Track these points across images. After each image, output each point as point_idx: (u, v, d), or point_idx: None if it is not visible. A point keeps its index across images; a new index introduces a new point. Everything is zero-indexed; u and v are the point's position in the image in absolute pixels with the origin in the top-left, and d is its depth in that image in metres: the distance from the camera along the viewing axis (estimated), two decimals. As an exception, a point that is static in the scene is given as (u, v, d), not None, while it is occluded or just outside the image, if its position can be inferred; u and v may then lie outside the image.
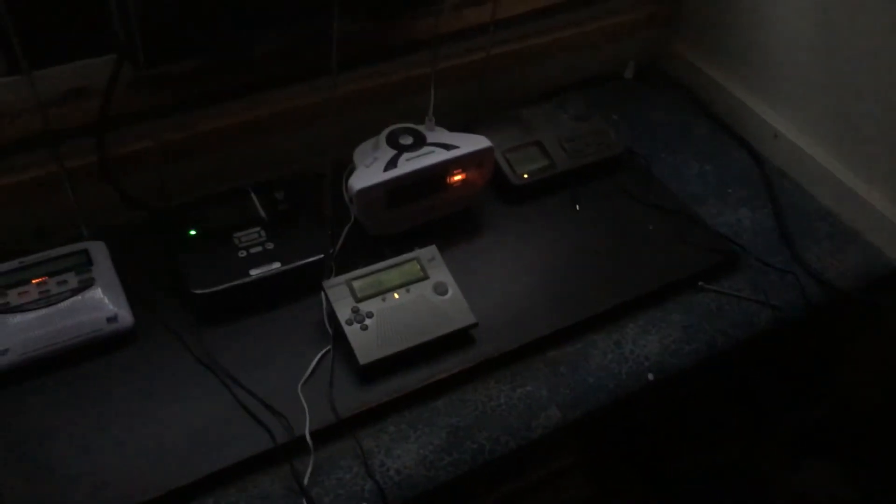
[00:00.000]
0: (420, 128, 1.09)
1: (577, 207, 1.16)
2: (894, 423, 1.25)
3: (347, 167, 1.11)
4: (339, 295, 0.97)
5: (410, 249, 1.02)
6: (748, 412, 1.24)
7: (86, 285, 0.95)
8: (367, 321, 0.95)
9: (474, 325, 0.98)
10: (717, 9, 1.33)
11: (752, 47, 1.29)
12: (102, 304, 0.95)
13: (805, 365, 1.24)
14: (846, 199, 1.19)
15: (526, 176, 1.16)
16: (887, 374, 1.24)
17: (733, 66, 1.34)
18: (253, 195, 1.06)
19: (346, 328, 0.95)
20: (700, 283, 1.08)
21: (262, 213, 1.04)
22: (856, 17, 1.11)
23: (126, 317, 0.95)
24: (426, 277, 1.00)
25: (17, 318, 0.92)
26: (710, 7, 1.34)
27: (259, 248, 1.01)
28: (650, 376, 0.99)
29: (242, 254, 1.00)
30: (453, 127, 1.12)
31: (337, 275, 1.00)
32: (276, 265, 0.99)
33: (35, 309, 0.93)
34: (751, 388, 1.19)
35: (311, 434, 0.88)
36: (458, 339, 0.98)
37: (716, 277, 1.10)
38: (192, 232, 1.02)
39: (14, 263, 0.96)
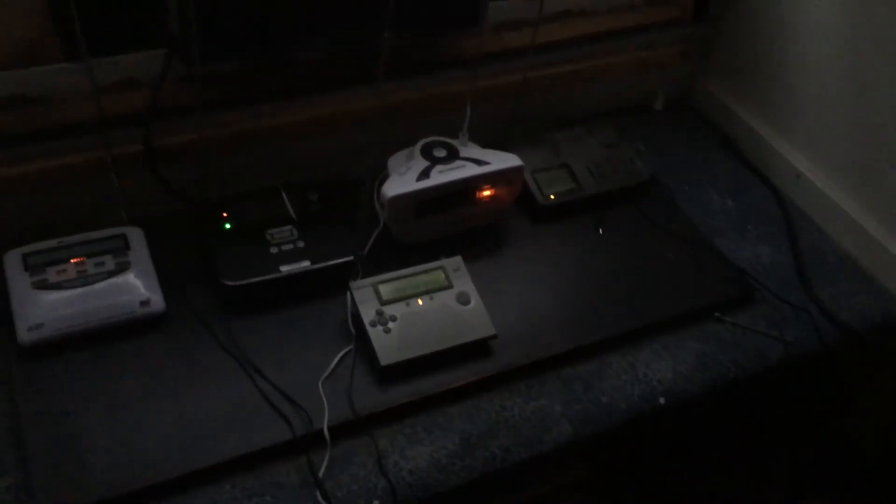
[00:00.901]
0: (454, 142, 1.13)
1: (601, 231, 1.19)
2: (897, 468, 1.26)
3: (380, 174, 1.14)
4: (365, 297, 0.99)
5: (436, 258, 1.05)
6: (754, 445, 1.25)
7: (122, 269, 0.99)
8: (391, 324, 0.98)
9: (494, 337, 1.00)
10: (748, 49, 1.36)
11: (779, 88, 1.32)
12: (136, 287, 0.98)
13: (813, 403, 1.25)
14: (864, 243, 1.21)
15: (552, 197, 1.19)
16: (893, 416, 1.26)
17: (760, 106, 1.37)
18: (288, 194, 1.09)
19: (370, 329, 0.97)
20: (716, 314, 1.10)
21: (296, 213, 1.07)
22: (886, 65, 1.14)
23: (158, 302, 0.98)
24: (450, 287, 1.02)
25: (54, 295, 0.95)
26: (741, 47, 1.37)
27: (290, 246, 1.04)
28: (661, 400, 1.01)
29: (274, 250, 1.03)
30: (486, 144, 1.15)
31: (363, 277, 1.03)
32: (306, 263, 1.02)
33: (71, 287, 0.96)
34: (758, 421, 1.20)
35: (329, 429, 0.90)
36: (477, 349, 1.00)
37: (732, 310, 1.12)
38: (227, 226, 1.05)
39: (53, 242, 0.99)
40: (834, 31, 1.20)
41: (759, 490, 1.31)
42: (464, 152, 1.11)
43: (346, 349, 0.98)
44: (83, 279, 0.97)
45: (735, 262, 1.17)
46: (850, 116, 1.21)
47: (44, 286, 0.95)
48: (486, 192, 1.11)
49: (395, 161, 1.13)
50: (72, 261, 0.98)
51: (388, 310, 0.99)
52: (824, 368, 1.15)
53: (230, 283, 0.99)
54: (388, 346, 0.96)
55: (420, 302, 1.00)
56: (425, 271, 1.03)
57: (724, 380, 1.05)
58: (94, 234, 1.01)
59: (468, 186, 1.09)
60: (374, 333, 0.97)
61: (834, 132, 1.25)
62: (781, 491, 1.33)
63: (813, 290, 1.16)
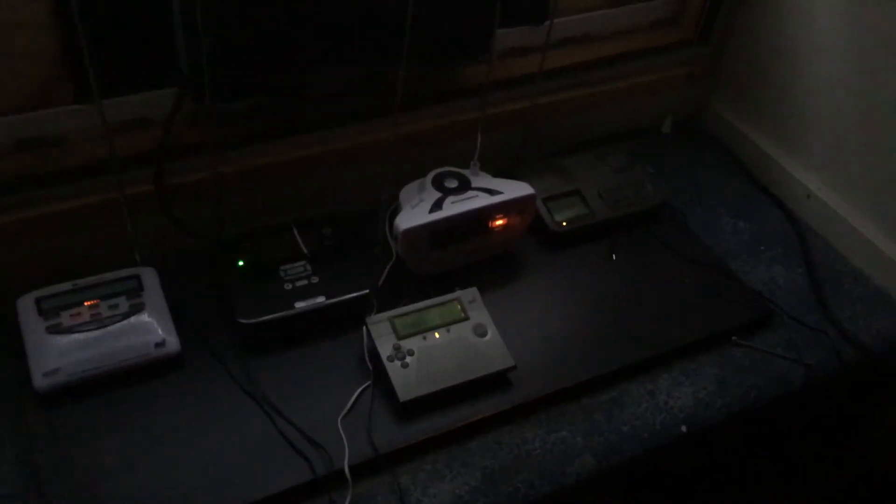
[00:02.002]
0: (465, 172, 1.12)
1: (614, 257, 1.19)
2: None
3: (392, 206, 1.14)
4: (382, 331, 0.99)
5: (451, 290, 1.04)
6: (775, 470, 1.24)
7: (136, 310, 0.98)
8: (408, 359, 0.97)
9: (513, 368, 1.00)
10: (755, 69, 1.36)
11: (787, 107, 1.32)
12: (151, 328, 0.97)
13: (835, 426, 1.24)
14: (878, 261, 1.20)
15: (565, 224, 1.19)
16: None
17: (768, 125, 1.37)
18: (300, 230, 1.09)
19: (388, 364, 0.96)
20: (734, 338, 1.10)
21: (309, 248, 1.07)
22: (894, 81, 1.14)
23: (173, 342, 0.97)
24: (466, 318, 1.02)
25: (69, 339, 0.94)
26: (748, 67, 1.37)
27: (305, 282, 1.03)
28: (683, 428, 1.00)
29: (288, 286, 1.02)
30: (496, 172, 1.15)
31: (378, 310, 1.02)
32: (321, 299, 1.02)
33: (86, 331, 0.95)
34: (779, 445, 1.19)
35: (350, 468, 0.89)
36: (496, 381, 1.00)
37: (749, 333, 1.11)
38: (241, 263, 1.04)
39: (67, 285, 0.99)
40: (841, 48, 1.20)
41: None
42: (475, 182, 1.11)
43: (365, 385, 0.97)
44: (98, 322, 0.96)
45: (750, 285, 1.17)
46: (860, 134, 1.21)
47: (58, 330, 0.95)
48: (499, 222, 1.11)
49: (407, 193, 1.13)
50: (86, 303, 0.97)
51: (405, 344, 0.98)
52: (845, 391, 1.14)
53: (245, 321, 0.99)
54: (407, 382, 0.95)
55: (437, 335, 1.00)
56: (441, 304, 1.02)
57: (745, 405, 1.04)
58: (107, 276, 1.00)
59: (481, 217, 1.08)
60: (392, 369, 0.96)
61: (844, 150, 1.25)
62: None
63: (830, 311, 1.15)
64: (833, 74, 1.23)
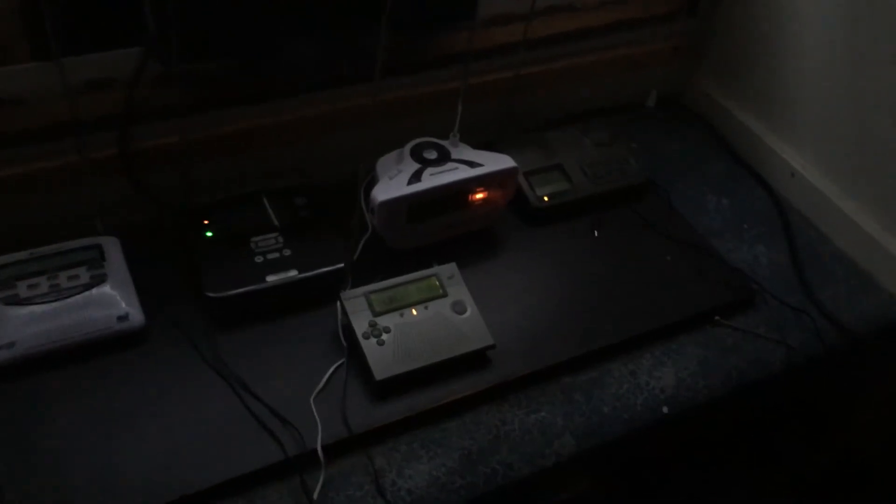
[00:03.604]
0: (444, 143, 1.08)
1: (596, 234, 1.16)
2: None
3: (369, 177, 1.10)
4: (357, 307, 0.95)
5: (429, 265, 1.01)
6: (756, 451, 1.23)
7: (97, 281, 0.93)
8: (384, 336, 0.94)
9: (492, 347, 0.97)
10: (741, 46, 1.33)
11: (773, 85, 1.30)
12: (113, 301, 0.92)
13: (815, 407, 1.24)
14: (861, 242, 1.19)
15: (546, 199, 1.15)
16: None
17: (753, 103, 1.34)
18: (272, 200, 1.04)
19: (363, 342, 0.93)
20: (716, 318, 1.08)
21: (282, 219, 1.03)
22: (882, 60, 1.11)
23: (137, 316, 0.93)
24: (445, 295, 0.98)
25: (25, 311, 0.89)
26: (734, 43, 1.35)
27: (276, 255, 0.99)
28: (665, 409, 0.98)
29: (259, 259, 0.98)
30: (477, 145, 1.11)
31: (353, 286, 0.99)
32: (294, 272, 0.98)
33: (44, 302, 0.90)
34: (760, 426, 1.18)
35: (323, 448, 0.86)
36: (475, 360, 0.97)
37: (731, 313, 1.09)
38: (210, 234, 1.00)
39: (24, 254, 0.94)
40: (830, 26, 1.18)
41: (763, 496, 1.29)
42: (455, 154, 1.07)
43: (339, 363, 0.94)
44: (56, 293, 0.91)
45: (733, 264, 1.15)
46: (846, 113, 1.19)
47: (14, 301, 0.90)
48: (480, 196, 1.07)
49: (384, 164, 1.08)
50: (44, 274, 0.92)
51: (382, 321, 0.95)
52: (827, 371, 1.13)
53: (213, 294, 0.94)
54: (383, 360, 0.92)
55: (414, 312, 0.96)
56: (419, 279, 0.99)
57: (727, 385, 1.02)
58: (67, 245, 0.95)
59: (461, 190, 1.05)
60: (368, 346, 0.93)
61: (829, 129, 1.23)
62: (785, 496, 1.31)
63: (813, 291, 1.14)
64: (820, 53, 1.20)
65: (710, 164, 1.33)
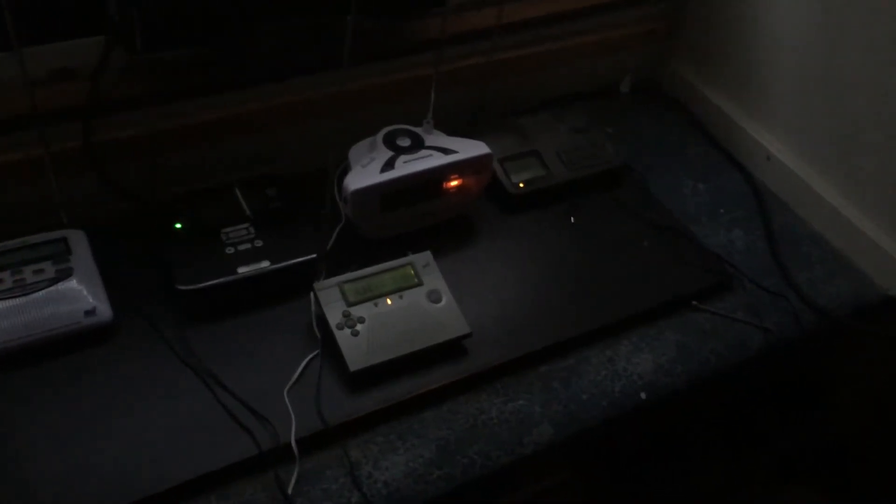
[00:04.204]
0: (418, 130, 1.07)
1: (573, 220, 1.15)
2: (880, 450, 1.25)
3: (341, 166, 1.08)
4: (330, 298, 0.94)
5: (403, 254, 1.00)
6: (735, 434, 1.23)
7: (63, 276, 0.91)
8: (359, 326, 0.92)
9: (468, 336, 0.95)
10: (716, 28, 1.32)
11: (748, 68, 1.29)
12: (80, 295, 0.90)
13: (794, 389, 1.24)
14: (837, 224, 1.19)
15: (522, 185, 1.14)
16: (874, 401, 1.25)
17: (728, 86, 1.34)
18: (243, 191, 1.02)
19: (337, 333, 0.91)
20: (694, 303, 1.07)
21: (253, 210, 1.01)
22: (856, 42, 1.11)
23: (105, 310, 0.91)
24: (420, 284, 0.97)
25: (-10, 307, 0.87)
26: (709, 26, 1.34)
27: (248, 246, 0.97)
28: (643, 395, 0.97)
29: (230, 250, 0.96)
30: (451, 131, 1.10)
31: (326, 276, 0.97)
32: (266, 264, 0.96)
33: (8, 298, 0.88)
34: (739, 410, 1.18)
35: (297, 441, 0.84)
36: (451, 349, 0.95)
37: (709, 297, 1.09)
38: (179, 225, 0.98)
39: (-13, 249, 0.92)
40: (804, 9, 1.17)
41: (744, 479, 1.29)
42: (429, 141, 1.06)
43: (312, 354, 0.92)
44: (21, 288, 0.89)
45: (710, 248, 1.14)
46: (821, 96, 1.19)
47: (-23, 297, 0.87)
48: (454, 183, 1.06)
49: (356, 152, 1.07)
50: (7, 268, 0.90)
51: (356, 311, 0.93)
52: (804, 354, 1.13)
53: (184, 287, 0.93)
54: (357, 351, 0.91)
55: (389, 301, 0.95)
56: (393, 268, 0.98)
57: (706, 370, 1.02)
58: (31, 239, 0.93)
59: (435, 177, 1.03)
60: (342, 337, 0.91)
61: (804, 112, 1.22)
62: (765, 479, 1.31)
63: (789, 275, 1.13)
64: (795, 34, 1.20)
65: (686, 149, 1.33)
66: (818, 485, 1.32)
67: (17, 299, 0.88)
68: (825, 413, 1.31)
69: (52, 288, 0.90)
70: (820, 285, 1.13)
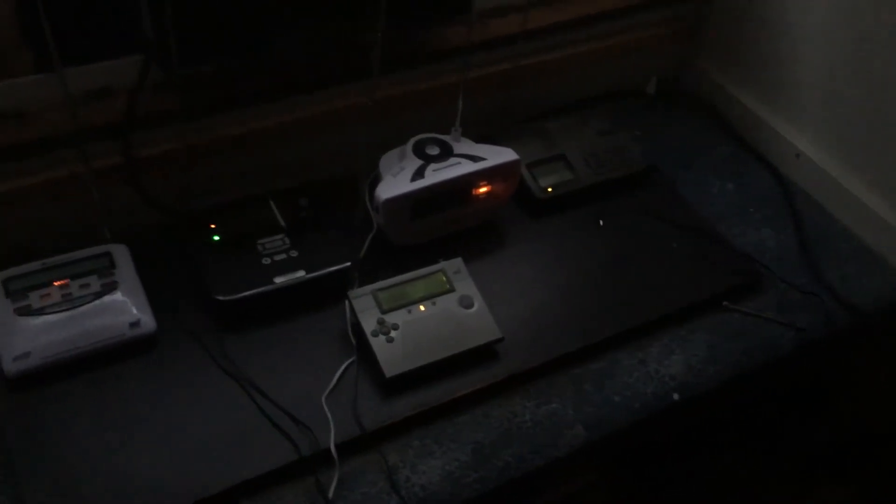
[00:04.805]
0: (446, 138, 1.09)
1: (601, 223, 1.16)
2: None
3: (371, 175, 1.10)
4: (365, 305, 0.96)
5: (434, 261, 1.01)
6: (766, 434, 1.23)
7: (108, 289, 0.94)
8: (393, 333, 0.94)
9: (500, 340, 0.97)
10: (741, 26, 1.32)
11: (775, 66, 1.29)
12: (125, 308, 0.93)
13: (825, 387, 1.24)
14: (869, 221, 1.18)
15: (550, 189, 1.15)
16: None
17: (755, 84, 1.33)
18: (277, 201, 1.05)
19: (372, 340, 0.93)
20: (724, 303, 1.08)
21: (286, 220, 1.03)
22: (887, 36, 1.11)
23: (149, 322, 0.93)
24: (452, 290, 0.99)
25: (39, 321, 0.90)
26: (734, 24, 1.34)
27: (283, 256, 0.99)
28: (675, 396, 0.98)
29: (266, 261, 0.99)
30: (478, 138, 1.11)
31: (360, 284, 0.99)
32: (301, 273, 0.98)
33: (57, 312, 0.91)
34: (770, 409, 1.18)
35: (336, 446, 0.86)
36: (483, 354, 0.97)
37: (740, 297, 1.09)
38: (216, 237, 1.00)
39: (36, 265, 0.95)
40: (831, 4, 1.17)
41: (773, 478, 1.29)
42: (457, 148, 1.07)
43: (348, 361, 0.94)
44: (69, 302, 0.92)
45: (740, 248, 1.15)
46: (850, 91, 1.19)
47: (28, 312, 0.90)
48: (483, 189, 1.07)
49: (386, 161, 1.09)
50: (55, 283, 0.93)
51: (390, 318, 0.95)
52: (837, 352, 1.13)
53: (222, 297, 0.95)
54: (392, 357, 0.93)
55: (422, 308, 0.97)
56: (425, 275, 0.99)
57: (737, 371, 1.02)
58: (77, 254, 0.96)
59: (464, 184, 1.05)
60: (377, 344, 0.93)
61: (833, 108, 1.22)
62: (796, 478, 1.31)
63: (821, 273, 1.13)
64: (823, 30, 1.19)
65: (713, 149, 1.33)
66: (849, 484, 1.32)
67: (66, 313, 0.91)
68: (857, 411, 1.30)
69: (98, 301, 0.92)
70: (852, 283, 1.13)
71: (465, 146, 1.08)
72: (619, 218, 1.17)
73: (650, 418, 0.96)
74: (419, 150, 1.06)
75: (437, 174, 1.03)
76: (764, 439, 1.25)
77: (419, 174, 1.03)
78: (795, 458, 1.31)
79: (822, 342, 1.07)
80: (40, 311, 0.91)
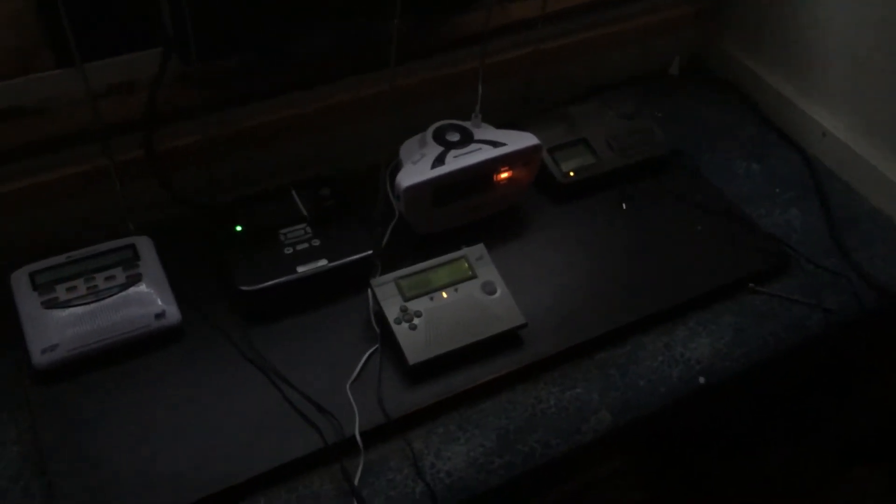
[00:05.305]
0: (466, 124, 1.08)
1: (624, 206, 1.15)
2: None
3: (392, 163, 1.10)
4: (387, 293, 0.96)
5: (456, 248, 1.01)
6: (796, 417, 1.22)
7: (133, 281, 0.95)
8: (416, 320, 0.94)
9: (524, 326, 0.97)
10: (765, 5, 1.30)
11: (800, 43, 1.27)
12: (150, 299, 0.94)
13: (854, 369, 1.22)
14: (898, 200, 1.17)
15: (572, 174, 1.14)
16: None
17: (780, 63, 1.31)
18: (298, 192, 1.05)
19: (395, 327, 0.93)
20: (751, 285, 1.06)
21: (308, 210, 1.03)
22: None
23: (174, 313, 0.94)
24: (474, 277, 0.99)
25: (66, 314, 0.91)
26: (758, 3, 1.32)
27: (305, 245, 1.00)
28: (701, 380, 0.97)
29: (289, 251, 0.99)
30: (499, 123, 1.11)
31: (382, 272, 0.99)
32: (323, 262, 0.98)
33: (83, 304, 0.92)
34: (798, 392, 1.17)
35: (361, 434, 0.87)
36: (507, 340, 0.97)
37: (766, 279, 1.08)
38: (238, 228, 1.01)
39: (61, 258, 0.96)
40: (856, -20, 1.15)
41: (804, 462, 1.28)
42: (478, 134, 1.07)
43: (372, 349, 0.95)
44: (94, 295, 0.93)
45: (766, 230, 1.13)
46: (876, 69, 1.16)
47: (54, 305, 0.92)
48: (504, 175, 1.07)
49: (407, 148, 1.08)
50: (81, 276, 0.94)
51: (412, 305, 0.95)
52: (865, 334, 1.11)
53: (246, 288, 0.96)
54: (416, 344, 0.93)
55: (444, 295, 0.97)
56: (447, 262, 0.99)
57: (765, 353, 1.01)
58: (101, 247, 0.97)
59: (486, 170, 1.04)
60: (400, 331, 0.93)
61: (859, 86, 1.20)
62: (826, 461, 1.30)
63: (849, 253, 1.12)
64: (848, 8, 1.17)
65: (738, 129, 1.31)
66: (880, 466, 1.30)
67: (92, 305, 0.92)
68: (887, 393, 1.28)
69: (123, 293, 0.93)
70: (881, 263, 1.11)
71: (485, 132, 1.08)
72: (642, 201, 1.15)
73: (676, 403, 0.96)
74: (439, 137, 1.06)
75: (458, 160, 1.02)
76: (793, 422, 1.24)
77: (440, 161, 1.02)
78: (825, 440, 1.30)
79: (850, 324, 1.05)
80: (67, 304, 0.92)
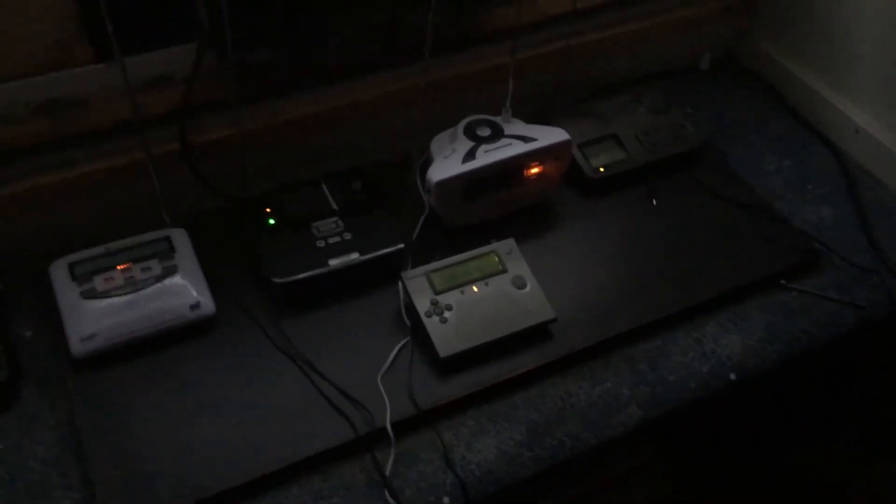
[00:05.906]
0: (497, 119, 1.08)
1: (654, 202, 1.15)
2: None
3: (422, 157, 1.11)
4: (418, 287, 0.96)
5: (486, 242, 1.02)
6: (825, 411, 1.21)
7: (169, 272, 0.96)
8: (447, 314, 0.95)
9: (553, 320, 0.97)
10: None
11: (832, 39, 1.25)
12: (185, 291, 0.95)
13: (885, 365, 1.21)
14: (932, 197, 1.15)
15: (602, 169, 1.14)
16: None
17: (812, 58, 1.30)
18: (330, 185, 1.06)
19: (426, 320, 0.94)
20: (782, 282, 1.06)
21: (340, 203, 1.04)
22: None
23: (208, 304, 0.96)
24: (504, 271, 0.99)
25: (103, 304, 0.93)
26: (790, -3, 1.31)
27: (337, 238, 1.01)
28: (732, 376, 0.97)
29: (321, 243, 1.00)
30: (529, 118, 1.11)
31: (412, 265, 1.00)
32: (355, 255, 0.99)
33: (120, 295, 0.94)
34: (829, 388, 1.16)
35: (392, 425, 0.88)
36: (537, 334, 0.97)
37: (798, 276, 1.07)
38: (271, 221, 1.02)
39: (100, 249, 0.97)
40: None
41: (833, 457, 1.27)
42: (508, 129, 1.07)
43: (403, 342, 0.95)
44: (131, 285, 0.94)
45: (797, 225, 1.13)
46: (911, 64, 1.15)
47: (93, 295, 0.93)
48: (535, 170, 1.07)
49: (438, 143, 1.09)
50: (118, 267, 0.96)
51: (443, 299, 0.96)
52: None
53: (278, 280, 0.97)
54: (446, 337, 0.93)
55: (475, 288, 0.97)
56: (478, 256, 1.00)
57: (796, 350, 1.01)
58: (138, 238, 0.99)
59: (516, 165, 1.05)
60: (431, 324, 0.94)
61: (893, 82, 1.18)
62: (855, 456, 1.29)
63: (881, 250, 1.11)
64: (880, 1, 1.16)
65: (769, 125, 1.30)
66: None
67: (129, 296, 0.94)
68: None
69: (159, 284, 0.95)
70: (914, 260, 1.11)
71: (515, 127, 1.08)
72: (672, 196, 1.15)
73: (706, 398, 0.96)
74: (470, 132, 1.06)
75: (489, 155, 1.03)
76: (822, 417, 1.23)
77: (470, 155, 1.03)
78: (854, 436, 1.29)
79: (882, 320, 1.04)
80: (105, 294, 0.93)
